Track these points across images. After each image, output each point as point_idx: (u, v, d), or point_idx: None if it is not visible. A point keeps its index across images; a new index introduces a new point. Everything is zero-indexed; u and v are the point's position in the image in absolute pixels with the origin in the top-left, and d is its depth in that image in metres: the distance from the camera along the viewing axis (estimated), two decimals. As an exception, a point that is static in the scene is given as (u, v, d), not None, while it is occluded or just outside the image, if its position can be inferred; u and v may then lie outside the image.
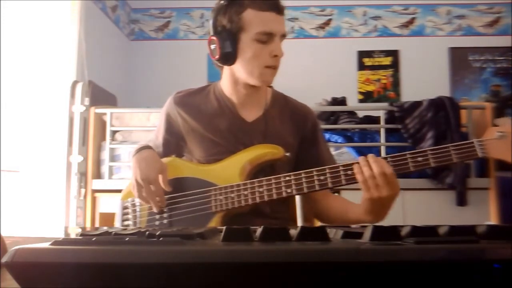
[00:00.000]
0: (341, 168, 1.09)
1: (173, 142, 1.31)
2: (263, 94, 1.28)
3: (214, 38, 1.19)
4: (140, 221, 1.25)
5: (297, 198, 1.31)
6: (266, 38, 1.16)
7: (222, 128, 1.25)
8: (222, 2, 1.19)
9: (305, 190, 1.10)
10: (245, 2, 1.17)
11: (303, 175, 1.10)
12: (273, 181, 1.12)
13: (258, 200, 1.12)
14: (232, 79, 1.25)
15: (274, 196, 1.11)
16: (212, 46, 1.20)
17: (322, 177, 1.09)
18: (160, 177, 1.20)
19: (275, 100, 1.31)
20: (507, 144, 1.00)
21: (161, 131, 1.33)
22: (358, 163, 1.07)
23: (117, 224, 1.29)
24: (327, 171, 1.09)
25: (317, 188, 1.09)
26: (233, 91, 1.26)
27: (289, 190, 1.11)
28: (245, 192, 1.13)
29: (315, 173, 1.10)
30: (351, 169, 1.07)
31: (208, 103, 1.29)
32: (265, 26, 1.16)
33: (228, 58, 1.19)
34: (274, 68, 1.20)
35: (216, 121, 1.26)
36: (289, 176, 1.11)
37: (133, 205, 1.26)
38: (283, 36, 1.20)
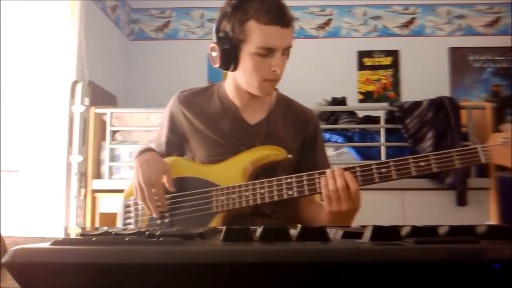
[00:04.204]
0: None
1: (176, 141, 1.31)
2: (266, 97, 1.27)
3: (215, 45, 1.16)
4: (142, 219, 1.25)
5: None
6: (267, 52, 1.13)
7: (224, 130, 1.25)
8: (227, 8, 1.15)
9: (307, 193, 1.11)
10: (250, 12, 1.12)
11: (304, 177, 1.11)
12: (274, 182, 1.12)
13: (259, 201, 1.12)
14: (235, 84, 1.24)
15: (276, 198, 1.12)
16: (214, 54, 1.18)
17: None
18: (165, 178, 1.20)
19: (278, 103, 1.31)
20: (510, 150, 1.01)
21: (164, 130, 1.33)
22: (325, 175, 1.08)
23: (119, 222, 1.29)
24: None
25: (318, 190, 1.10)
26: (236, 94, 1.26)
27: (290, 192, 1.11)
28: (247, 193, 1.13)
29: (316, 175, 1.10)
30: (354, 173, 1.08)
31: (212, 104, 1.28)
32: (265, 41, 1.12)
33: (229, 66, 1.18)
34: (273, 81, 1.18)
35: (218, 122, 1.25)
36: (291, 178, 1.11)
37: (135, 203, 1.27)
38: (288, 48, 1.17)
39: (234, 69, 1.18)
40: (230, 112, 1.26)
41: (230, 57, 1.16)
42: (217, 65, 1.18)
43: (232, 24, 1.14)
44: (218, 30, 1.17)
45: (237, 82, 1.23)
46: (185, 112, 1.28)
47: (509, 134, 1.03)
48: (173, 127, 1.30)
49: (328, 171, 1.08)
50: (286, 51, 1.17)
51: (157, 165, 1.20)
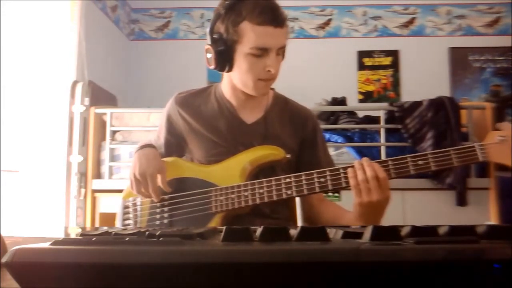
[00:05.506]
0: (341, 170, 1.08)
1: (175, 143, 1.32)
2: (263, 97, 1.28)
3: (210, 47, 1.17)
4: (140, 220, 1.25)
5: (297, 199, 1.31)
6: (261, 52, 1.13)
7: (222, 130, 1.25)
8: (221, 9, 1.16)
9: (305, 192, 1.10)
10: (243, 13, 1.13)
11: (303, 177, 1.10)
12: (273, 182, 1.12)
13: (258, 201, 1.12)
14: (231, 84, 1.25)
15: (274, 198, 1.11)
16: (209, 55, 1.18)
17: (322, 179, 1.09)
18: (159, 177, 1.20)
19: (275, 103, 1.31)
20: (508, 148, 1.01)
21: (162, 132, 1.33)
22: (352, 166, 1.07)
23: (118, 223, 1.29)
24: (328, 173, 1.09)
25: (317, 190, 1.10)
26: (232, 94, 1.26)
27: (289, 192, 1.11)
28: (246, 193, 1.13)
29: (315, 175, 1.10)
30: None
31: (209, 104, 1.29)
32: (259, 41, 1.12)
33: (224, 67, 1.18)
34: (268, 80, 1.19)
35: (216, 123, 1.26)
36: (290, 177, 1.11)
37: (134, 204, 1.27)
38: (282, 48, 1.17)
39: (229, 70, 1.19)
40: (226, 112, 1.27)
41: (224, 58, 1.16)
42: (212, 66, 1.19)
43: (226, 26, 1.15)
44: (212, 32, 1.17)
45: (233, 83, 1.23)
46: (182, 114, 1.28)
47: (506, 132, 1.03)
48: (171, 129, 1.31)
49: (355, 162, 1.07)
50: (280, 51, 1.17)
51: (155, 161, 1.21)
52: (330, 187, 1.09)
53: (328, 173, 1.09)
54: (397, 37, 4.11)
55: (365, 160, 1.07)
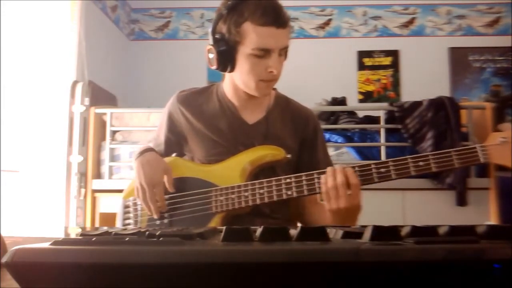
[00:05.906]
0: None
1: (175, 141, 1.31)
2: (265, 97, 1.27)
3: (212, 47, 1.17)
4: (141, 220, 1.25)
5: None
6: (263, 53, 1.13)
7: (223, 129, 1.25)
8: (223, 9, 1.16)
9: (306, 193, 1.11)
10: (245, 13, 1.12)
11: (303, 177, 1.10)
12: (273, 182, 1.12)
13: (258, 201, 1.12)
14: (232, 84, 1.25)
15: (275, 198, 1.11)
16: (210, 55, 1.18)
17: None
18: (165, 178, 1.20)
19: (277, 103, 1.31)
20: (509, 149, 1.01)
21: (163, 130, 1.33)
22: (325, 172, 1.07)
23: (119, 223, 1.29)
24: None
25: (317, 191, 1.10)
26: (234, 94, 1.26)
27: (289, 192, 1.11)
28: (246, 193, 1.13)
29: (315, 175, 1.10)
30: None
31: (211, 104, 1.29)
32: (261, 42, 1.12)
33: (226, 67, 1.18)
34: (270, 81, 1.18)
35: (217, 122, 1.26)
36: (290, 178, 1.11)
37: (135, 204, 1.27)
38: (284, 48, 1.17)
39: (231, 71, 1.18)
40: (228, 112, 1.26)
41: (226, 59, 1.16)
42: (214, 67, 1.18)
43: (228, 26, 1.14)
44: (214, 32, 1.17)
45: (235, 83, 1.23)
46: (184, 112, 1.28)
47: (507, 133, 1.03)
48: (172, 127, 1.30)
49: (328, 168, 1.08)
50: (282, 52, 1.17)
51: (158, 165, 1.21)
52: None
53: None
54: (397, 37, 4.11)
55: (338, 167, 1.07)
